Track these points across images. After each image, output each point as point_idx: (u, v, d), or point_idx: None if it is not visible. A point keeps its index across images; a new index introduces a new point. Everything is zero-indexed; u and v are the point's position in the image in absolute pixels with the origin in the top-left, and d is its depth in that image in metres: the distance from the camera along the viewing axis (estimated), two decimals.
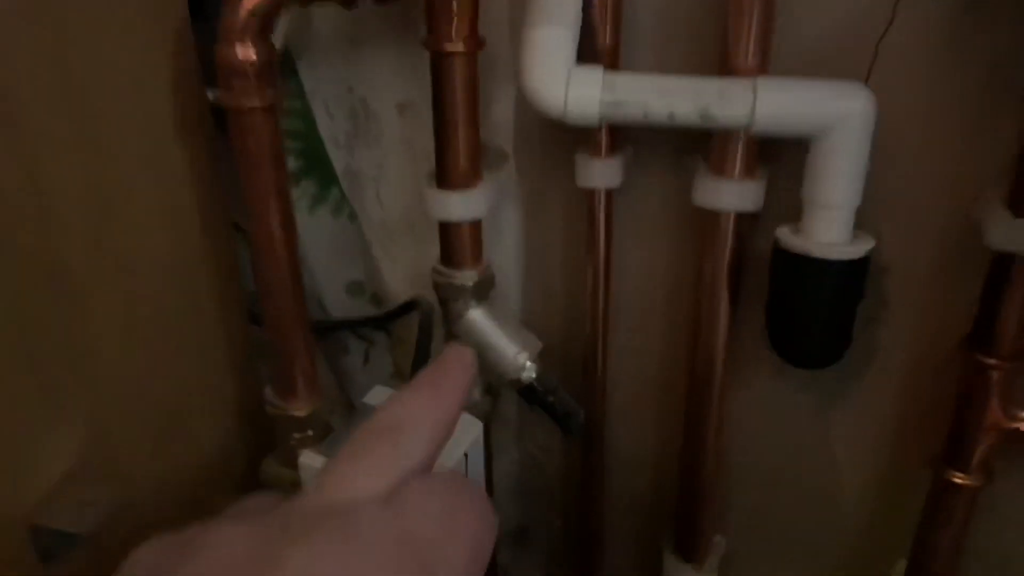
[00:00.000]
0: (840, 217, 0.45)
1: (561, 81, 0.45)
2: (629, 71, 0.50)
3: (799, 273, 0.47)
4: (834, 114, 0.43)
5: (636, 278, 0.59)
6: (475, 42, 0.48)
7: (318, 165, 0.63)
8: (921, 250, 0.50)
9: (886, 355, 0.54)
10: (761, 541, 0.64)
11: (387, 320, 0.66)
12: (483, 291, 0.55)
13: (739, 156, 0.48)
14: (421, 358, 0.53)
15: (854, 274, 0.47)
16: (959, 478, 0.50)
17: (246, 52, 0.42)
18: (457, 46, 0.47)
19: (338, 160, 0.63)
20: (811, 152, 0.45)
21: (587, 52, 0.48)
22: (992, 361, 0.46)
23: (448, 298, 0.55)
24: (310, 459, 0.51)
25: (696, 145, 0.50)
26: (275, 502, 0.24)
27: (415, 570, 0.20)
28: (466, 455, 0.41)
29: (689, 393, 0.57)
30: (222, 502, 0.25)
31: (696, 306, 0.54)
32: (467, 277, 0.54)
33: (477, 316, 0.55)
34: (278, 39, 0.45)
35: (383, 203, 0.64)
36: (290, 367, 0.52)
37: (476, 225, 0.54)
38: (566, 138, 0.54)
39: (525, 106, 0.53)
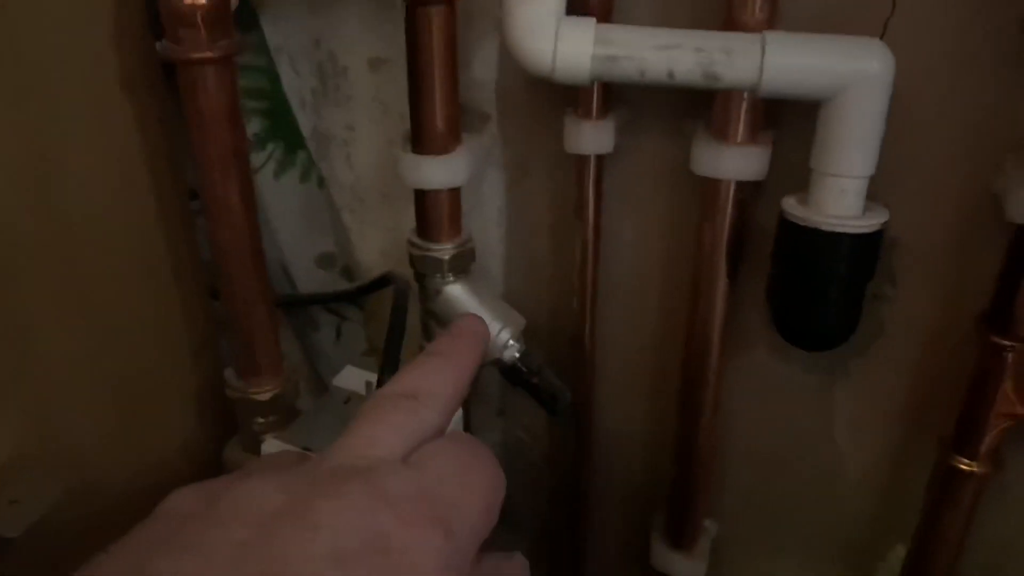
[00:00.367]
0: (852, 187, 0.42)
1: (549, 33, 0.42)
2: (624, 24, 0.46)
3: (806, 248, 0.44)
4: (849, 73, 0.40)
5: (628, 251, 0.57)
6: None
7: (284, 127, 0.60)
8: (933, 222, 0.48)
9: (892, 335, 0.52)
10: (754, 526, 0.63)
11: (358, 295, 0.64)
12: (462, 265, 0.53)
13: (742, 119, 0.46)
14: (395, 337, 0.50)
15: (866, 250, 0.44)
16: (967, 465, 0.48)
17: None
18: None
19: (305, 121, 0.60)
20: (821, 116, 0.42)
21: (578, 2, 0.45)
22: (1008, 343, 0.45)
23: (424, 272, 0.53)
24: (274, 447, 0.48)
25: (696, 107, 0.48)
26: (298, 459, 0.27)
27: (434, 523, 0.22)
28: None
29: (683, 372, 0.55)
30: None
31: (692, 281, 0.52)
32: (444, 250, 0.52)
33: (456, 291, 0.53)
34: None
35: (354, 168, 0.61)
36: (251, 347, 0.50)
37: (455, 193, 0.51)
38: (554, 98, 0.52)
39: (509, 63, 0.52)
